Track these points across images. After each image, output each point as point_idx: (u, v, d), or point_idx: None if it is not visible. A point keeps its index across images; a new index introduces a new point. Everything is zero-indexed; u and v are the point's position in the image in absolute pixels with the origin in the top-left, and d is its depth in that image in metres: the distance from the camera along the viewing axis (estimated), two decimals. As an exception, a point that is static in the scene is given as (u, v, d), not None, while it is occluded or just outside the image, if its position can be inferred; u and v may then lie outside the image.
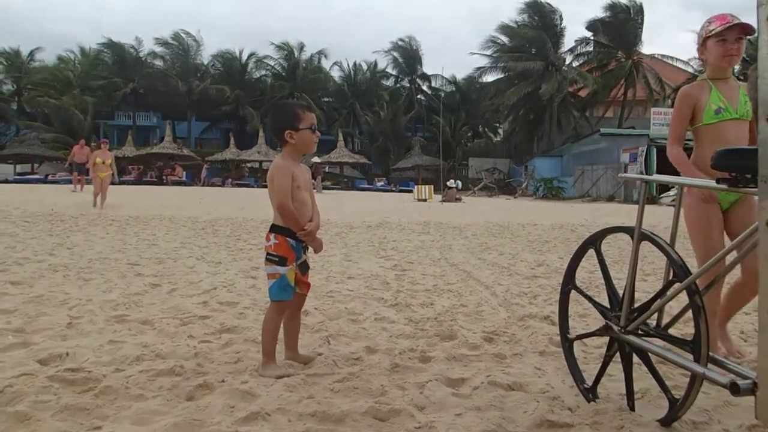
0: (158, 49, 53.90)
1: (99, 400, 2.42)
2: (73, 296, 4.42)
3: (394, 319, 4.07)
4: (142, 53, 53.93)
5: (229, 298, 4.57)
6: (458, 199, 29.31)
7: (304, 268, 3.00)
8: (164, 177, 43.58)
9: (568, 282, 2.81)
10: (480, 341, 3.50)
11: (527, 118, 49.43)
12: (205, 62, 55.75)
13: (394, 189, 46.54)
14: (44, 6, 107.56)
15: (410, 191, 36.40)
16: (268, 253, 2.93)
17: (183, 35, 53.88)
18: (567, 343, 2.80)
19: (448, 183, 30.29)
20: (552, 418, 2.32)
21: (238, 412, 2.33)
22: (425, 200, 29.09)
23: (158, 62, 54.70)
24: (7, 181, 38.52)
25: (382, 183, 49.05)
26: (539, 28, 46.88)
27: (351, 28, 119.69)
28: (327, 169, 44.10)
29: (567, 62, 48.60)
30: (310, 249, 3.07)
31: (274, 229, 2.95)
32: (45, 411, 2.27)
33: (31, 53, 54.60)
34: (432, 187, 31.68)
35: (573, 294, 2.84)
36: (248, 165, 49.20)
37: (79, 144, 23.25)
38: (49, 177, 40.14)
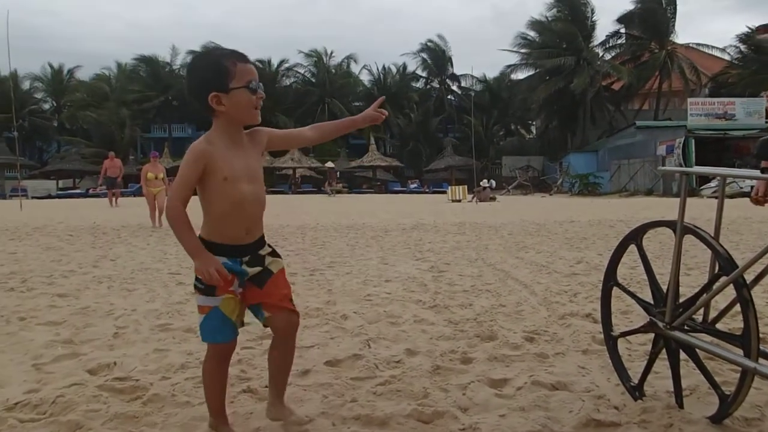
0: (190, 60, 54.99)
1: (147, 407, 2.47)
2: (118, 307, 4.52)
3: (434, 320, 4.06)
4: (175, 66, 54.99)
5: (268, 304, 4.61)
6: (492, 199, 29.14)
7: (260, 279, 2.17)
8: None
9: (610, 279, 2.77)
10: (521, 341, 3.47)
11: (560, 114, 48.88)
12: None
13: (427, 190, 46.51)
14: (80, 25, 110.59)
15: (444, 192, 36.33)
16: (195, 277, 2.10)
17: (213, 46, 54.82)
18: (611, 341, 2.75)
19: (481, 183, 30.15)
20: (598, 417, 2.29)
21: (283, 417, 2.35)
22: (459, 201, 28.98)
23: (191, 74, 55.77)
24: (50, 197, 39.66)
25: (414, 185, 49.08)
26: (570, 22, 46.32)
27: (378, 32, 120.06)
28: (337, 175, 44.09)
29: (599, 56, 47.91)
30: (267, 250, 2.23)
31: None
32: (96, 420, 2.33)
33: (70, 72, 56.18)
34: (466, 187, 31.56)
35: (615, 291, 2.80)
36: (281, 172, 49.71)
37: (108, 157, 21.91)
38: (90, 191, 41.17)
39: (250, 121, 2.14)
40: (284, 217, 15.87)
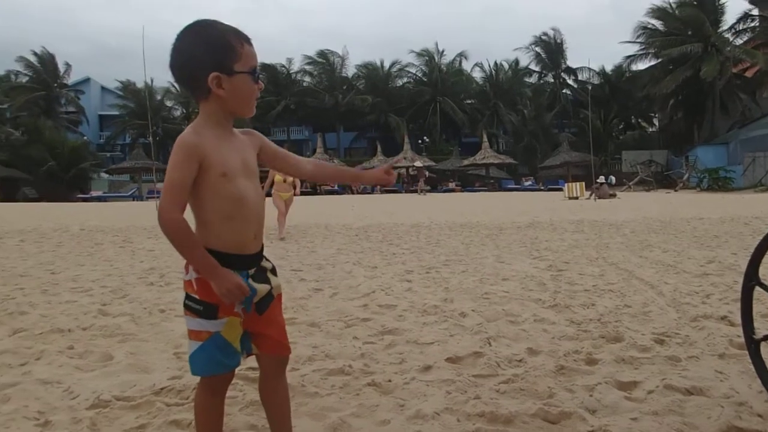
0: (307, 66, 56.96)
1: (279, 396, 2.60)
2: (246, 301, 4.75)
3: (555, 320, 3.97)
4: (292, 72, 57.09)
5: (387, 301, 4.70)
6: (612, 195, 27.98)
7: (263, 303, 1.84)
8: (318, 187, 45.66)
9: (751, 278, 2.59)
10: (650, 343, 3.32)
11: (686, 105, 46.03)
12: (350, 75, 57.86)
13: (542, 188, 45.38)
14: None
15: (559, 190, 35.32)
16: (186, 295, 1.77)
17: (328, 53, 56.40)
18: (752, 345, 2.57)
19: (599, 179, 28.99)
20: (740, 425, 2.15)
21: (407, 410, 2.40)
22: (577, 198, 28.06)
23: (307, 79, 57.67)
24: (180, 198, 42.28)
25: (529, 182, 48.02)
26: (696, 7, 43.44)
27: (490, 28, 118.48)
28: (425, 174, 43.37)
29: (729, 41, 44.59)
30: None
31: None
32: (234, 406, 2.48)
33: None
34: (583, 184, 30.48)
35: (756, 292, 2.61)
36: (396, 171, 50.30)
37: None
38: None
39: (245, 113, 1.83)
40: (398, 216, 16.06)
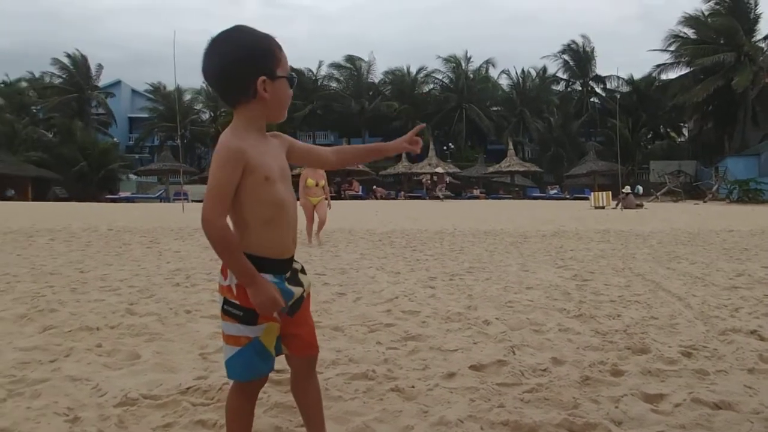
0: (334, 71, 57.32)
1: (303, 399, 2.62)
2: (270, 304, 4.79)
3: (579, 330, 3.93)
4: (318, 77, 57.44)
5: (410, 306, 4.69)
6: (639, 206, 27.65)
7: (294, 307, 1.86)
8: (342, 192, 45.84)
9: (783, 292, 2.54)
10: (677, 356, 3.27)
11: (717, 115, 45.35)
12: (377, 81, 58.03)
13: (568, 197, 45.02)
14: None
15: (585, 199, 35.01)
16: (225, 300, 1.80)
17: (355, 58, 56.69)
18: (784, 361, 2.53)
19: (624, 189, 28.65)
20: (770, 442, 2.12)
21: (431, 417, 2.40)
22: (603, 207, 27.80)
23: (333, 84, 57.99)
24: (206, 200, 42.75)
25: (555, 191, 47.66)
26: (729, 16, 42.78)
27: (518, 36, 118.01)
28: (446, 180, 43.31)
29: (763, 51, 43.84)
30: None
31: None
32: (259, 407, 2.49)
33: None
34: (610, 193, 30.18)
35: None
36: (418, 177, 50.30)
37: None
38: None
39: (279, 118, 1.80)
40: (422, 221, 16.06)
